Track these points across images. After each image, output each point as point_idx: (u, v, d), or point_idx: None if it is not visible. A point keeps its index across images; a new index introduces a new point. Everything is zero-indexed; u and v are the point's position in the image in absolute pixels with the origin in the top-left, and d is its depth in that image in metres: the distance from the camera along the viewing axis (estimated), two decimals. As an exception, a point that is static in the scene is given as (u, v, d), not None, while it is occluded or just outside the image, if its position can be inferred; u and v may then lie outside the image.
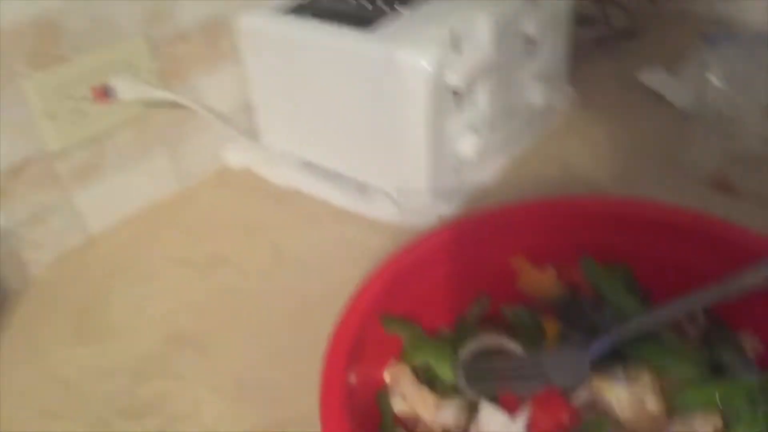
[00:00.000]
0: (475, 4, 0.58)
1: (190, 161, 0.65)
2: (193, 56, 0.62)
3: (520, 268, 0.43)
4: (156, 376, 0.48)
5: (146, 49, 0.59)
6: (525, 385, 0.37)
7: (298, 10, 0.60)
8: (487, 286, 0.43)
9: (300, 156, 0.65)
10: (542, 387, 0.37)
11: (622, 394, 0.35)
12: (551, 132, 0.68)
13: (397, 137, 0.57)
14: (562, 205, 0.43)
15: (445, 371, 0.39)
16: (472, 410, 0.37)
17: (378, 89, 0.56)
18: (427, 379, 0.39)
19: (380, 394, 0.38)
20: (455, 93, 0.57)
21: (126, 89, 0.58)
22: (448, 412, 0.37)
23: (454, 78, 0.54)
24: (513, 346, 0.40)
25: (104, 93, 0.57)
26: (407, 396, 0.38)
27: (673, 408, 0.35)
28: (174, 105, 0.61)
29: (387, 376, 0.39)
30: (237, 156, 0.67)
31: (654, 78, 0.71)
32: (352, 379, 0.35)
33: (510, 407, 0.36)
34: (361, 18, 0.57)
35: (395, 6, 0.59)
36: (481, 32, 0.57)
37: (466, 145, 0.59)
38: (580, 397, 0.36)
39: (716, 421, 0.34)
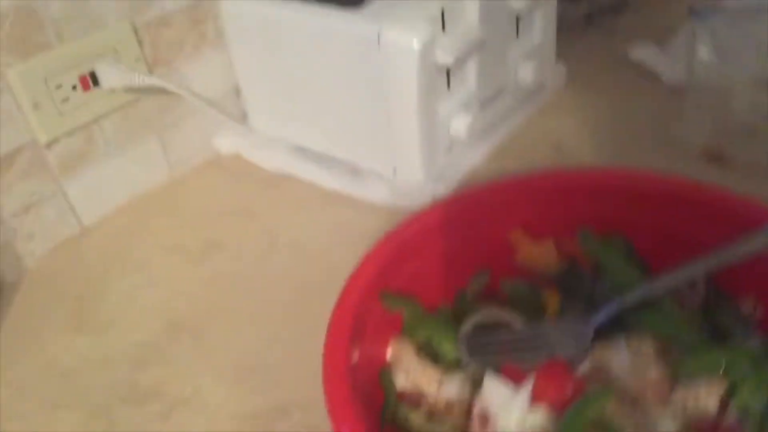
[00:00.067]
0: (463, -19, 0.57)
1: (180, 148, 0.64)
2: (178, 42, 0.61)
3: (518, 241, 0.43)
4: (155, 363, 0.48)
5: (131, 36, 0.58)
6: (527, 356, 0.37)
7: (284, -8, 0.59)
8: (486, 261, 0.43)
9: (291, 140, 0.65)
10: (545, 358, 0.37)
11: (625, 363, 0.35)
12: (542, 110, 0.68)
13: (387, 118, 0.57)
14: (559, 177, 0.43)
15: (447, 346, 0.39)
16: (475, 384, 0.37)
17: (367, 69, 0.55)
18: (429, 354, 0.39)
19: (383, 371, 0.38)
20: (445, 71, 0.57)
21: (112, 77, 0.57)
22: (452, 387, 0.37)
23: (444, 56, 0.54)
24: (513, 319, 0.40)
25: (90, 81, 0.57)
26: (410, 372, 0.37)
27: (676, 375, 0.35)
28: (161, 92, 0.60)
29: (389, 354, 0.39)
30: (227, 142, 0.66)
31: (643, 53, 0.71)
32: (355, 357, 0.35)
33: (513, 379, 0.36)
34: (348, -3, 0.57)
35: (382, -16, 0.58)
36: (469, 10, 0.57)
37: (458, 124, 0.59)
38: (583, 367, 0.36)
39: (720, 387, 0.35)
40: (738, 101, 0.62)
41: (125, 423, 0.44)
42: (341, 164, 0.62)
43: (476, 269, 0.43)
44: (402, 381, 0.38)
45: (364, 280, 0.38)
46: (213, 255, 0.56)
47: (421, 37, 0.52)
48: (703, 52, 0.65)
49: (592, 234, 0.42)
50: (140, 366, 0.47)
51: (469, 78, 0.60)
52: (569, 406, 0.34)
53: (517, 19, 0.63)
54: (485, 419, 0.35)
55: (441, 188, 0.59)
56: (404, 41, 0.52)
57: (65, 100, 0.55)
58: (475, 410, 0.35)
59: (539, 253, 0.42)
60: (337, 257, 0.49)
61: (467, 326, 0.40)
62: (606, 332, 0.37)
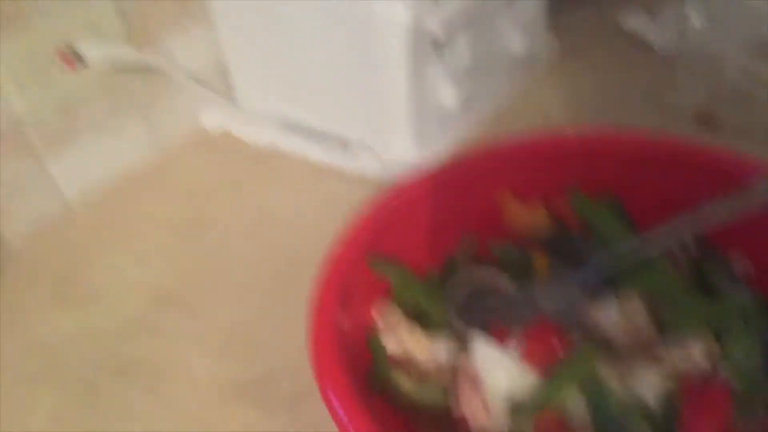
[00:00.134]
0: (450, -52, 0.57)
1: (166, 125, 0.63)
2: (162, 16, 0.60)
3: (507, 205, 0.42)
4: (142, 336, 0.47)
5: (113, 10, 0.57)
6: (516, 317, 0.37)
7: (269, -37, 0.58)
8: (475, 225, 0.42)
9: (279, 115, 0.64)
10: (534, 318, 0.36)
11: (615, 320, 0.35)
12: (533, 81, 0.67)
13: (377, 90, 0.56)
14: (548, 140, 0.43)
15: (435, 309, 0.38)
16: (464, 346, 0.36)
17: (356, 40, 0.55)
18: (418, 318, 0.38)
19: (371, 335, 0.38)
20: (435, 42, 0.56)
21: (95, 53, 0.56)
22: (441, 350, 0.37)
23: (433, 26, 0.53)
24: (503, 280, 0.40)
25: (73, 58, 0.56)
26: (399, 336, 0.37)
27: (666, 331, 0.35)
28: (146, 68, 0.59)
29: (377, 318, 0.38)
30: (214, 118, 0.65)
31: (635, 22, 0.71)
32: (342, 321, 0.35)
33: (502, 340, 0.35)
34: (334, -34, 0.56)
35: (368, -46, 0.57)
36: (458, -22, 0.56)
37: (448, 95, 0.58)
38: (573, 325, 0.36)
39: (710, 341, 0.34)
40: (730, 67, 0.62)
41: (111, 397, 0.44)
42: (331, 138, 0.61)
43: (465, 233, 0.42)
44: (391, 345, 0.37)
45: (351, 245, 0.38)
46: (201, 230, 0.56)
47: (411, 7, 0.51)
48: (695, 19, 0.64)
49: (582, 194, 0.41)
50: (127, 340, 0.47)
51: (460, 48, 0.59)
52: (558, 365, 0.33)
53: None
54: (474, 381, 0.34)
55: (431, 160, 0.58)
56: (394, 11, 0.52)
57: (47, 77, 0.54)
58: (464, 372, 0.35)
59: (529, 216, 0.42)
60: (327, 230, 0.48)
61: (456, 289, 0.39)
62: (597, 293, 0.37)
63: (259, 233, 0.55)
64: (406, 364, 0.37)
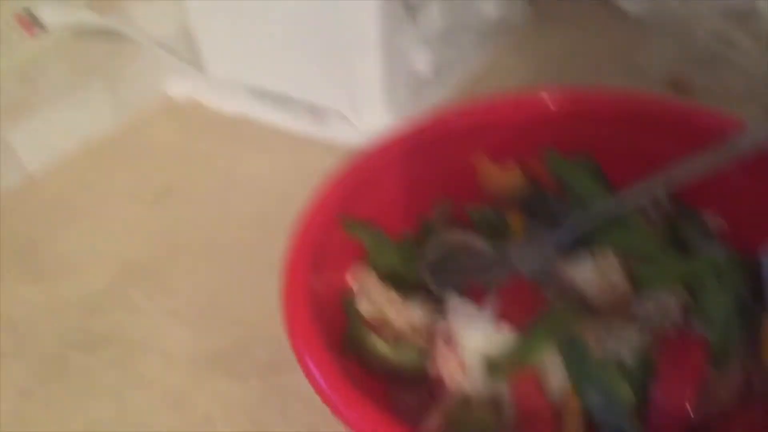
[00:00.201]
0: None
1: (130, 94, 0.61)
2: (124, -22, 0.58)
3: (482, 166, 0.41)
4: (111, 309, 0.46)
5: (73, -28, 0.55)
6: (491, 277, 0.36)
7: None
8: (450, 188, 0.42)
9: (248, 82, 0.62)
10: (510, 277, 0.36)
11: (589, 277, 0.35)
12: (507, 46, 0.67)
13: (348, 55, 0.55)
14: (521, 100, 0.42)
15: (410, 271, 0.38)
16: (439, 307, 0.36)
17: (326, 4, 0.53)
18: (393, 281, 0.38)
19: (346, 298, 0.37)
20: (407, 6, 0.55)
21: (55, 18, 0.54)
22: (416, 311, 0.36)
23: (405, -12, 0.52)
24: (478, 241, 0.39)
25: (31, 22, 0.53)
26: (373, 298, 0.36)
27: (640, 286, 0.35)
28: (108, 33, 0.57)
29: (352, 281, 0.38)
30: (180, 86, 0.63)
31: (607, -14, 0.70)
32: (315, 284, 0.34)
33: (477, 300, 0.35)
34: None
35: None
36: (429, -62, 0.55)
37: (421, 59, 0.57)
38: (547, 284, 0.36)
39: (683, 295, 0.34)
40: (702, 31, 0.62)
41: (78, 370, 0.42)
42: (302, 105, 0.60)
43: (440, 196, 0.42)
44: (365, 307, 0.37)
45: (323, 207, 0.37)
46: (169, 200, 0.54)
47: (381, -31, 0.50)
48: (667, -18, 0.64)
49: (557, 154, 0.41)
50: (94, 313, 0.46)
51: (433, 13, 0.58)
52: (534, 323, 0.33)
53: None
54: (450, 340, 0.34)
55: (403, 121, 0.57)
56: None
57: (5, 43, 0.52)
58: (440, 332, 0.34)
59: (504, 178, 0.41)
60: (299, 198, 0.47)
61: (430, 250, 0.39)
62: (572, 251, 0.37)
63: (230, 202, 0.54)
64: (381, 326, 0.36)
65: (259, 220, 0.51)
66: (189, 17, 0.62)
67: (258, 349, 0.42)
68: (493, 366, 0.33)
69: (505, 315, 0.34)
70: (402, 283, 0.38)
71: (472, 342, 0.34)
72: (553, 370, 0.32)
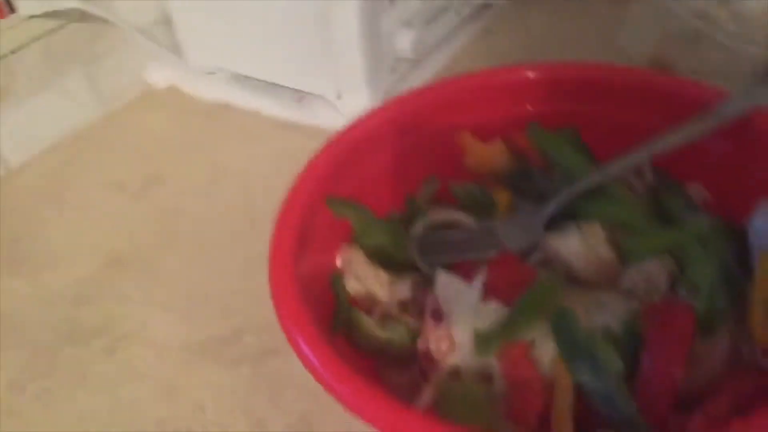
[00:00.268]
0: None
1: (110, 82, 0.60)
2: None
3: (466, 143, 0.41)
4: (99, 300, 0.45)
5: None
6: (479, 253, 0.36)
7: None
8: (435, 166, 0.41)
9: (229, 69, 0.62)
10: (496, 253, 0.36)
11: (575, 249, 0.35)
12: (487, 27, 0.67)
13: (330, 38, 0.55)
14: (503, 73, 0.42)
15: (398, 249, 0.38)
16: (427, 284, 0.36)
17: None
18: (380, 259, 0.38)
19: (334, 277, 0.37)
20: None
21: (30, 1, 0.53)
22: (404, 288, 0.36)
23: (385, -31, 0.52)
24: (465, 218, 0.39)
25: (5, 7, 0.52)
26: (361, 277, 0.36)
27: (627, 257, 0.35)
28: (87, 19, 0.56)
29: (339, 260, 0.38)
30: (161, 74, 0.63)
31: (587, -35, 0.70)
32: (302, 264, 0.34)
33: (465, 277, 0.35)
34: None
35: None
36: None
37: (402, 40, 0.57)
38: (534, 257, 0.36)
39: (670, 265, 0.34)
40: (682, 9, 0.62)
41: (68, 362, 0.42)
42: (285, 90, 0.59)
43: (425, 174, 0.41)
44: (353, 286, 0.36)
45: (308, 187, 0.36)
46: (154, 189, 0.54)
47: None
48: (647, -39, 0.64)
49: (541, 128, 0.41)
50: (82, 304, 0.45)
51: (413, -6, 0.57)
52: (522, 296, 0.33)
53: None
54: (439, 316, 0.34)
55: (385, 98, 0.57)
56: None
57: (-22, 30, 0.51)
58: (428, 308, 0.34)
59: (489, 154, 0.41)
60: (284, 183, 0.47)
61: (418, 228, 0.38)
62: (557, 223, 0.37)
63: (215, 189, 0.53)
64: (369, 305, 0.36)
65: (246, 207, 0.51)
66: (169, 3, 0.61)
67: (248, 336, 0.42)
68: (482, 340, 0.33)
69: (493, 290, 0.34)
70: (390, 261, 0.38)
71: (461, 316, 0.34)
72: (543, 343, 0.32)
